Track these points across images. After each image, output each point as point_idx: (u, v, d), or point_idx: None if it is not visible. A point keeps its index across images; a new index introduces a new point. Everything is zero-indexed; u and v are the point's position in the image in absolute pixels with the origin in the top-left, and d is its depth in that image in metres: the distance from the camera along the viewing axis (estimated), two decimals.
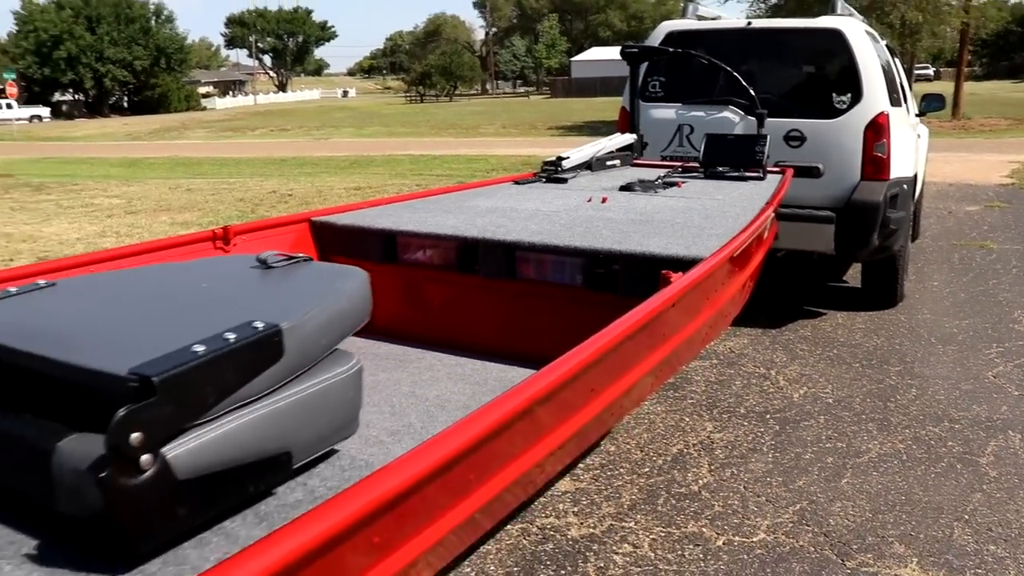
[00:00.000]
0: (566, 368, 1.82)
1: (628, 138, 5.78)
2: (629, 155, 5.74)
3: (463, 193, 4.52)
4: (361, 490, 1.25)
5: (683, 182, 4.86)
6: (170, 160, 26.85)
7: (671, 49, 6.24)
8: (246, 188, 16.72)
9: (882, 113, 5.89)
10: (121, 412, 1.30)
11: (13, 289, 1.88)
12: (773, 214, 3.93)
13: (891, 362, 5.51)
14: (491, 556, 3.38)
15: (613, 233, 3.35)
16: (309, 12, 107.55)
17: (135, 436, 1.33)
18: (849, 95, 5.98)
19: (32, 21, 68.76)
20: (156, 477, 1.35)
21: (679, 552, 3.38)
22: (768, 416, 4.66)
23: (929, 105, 8.70)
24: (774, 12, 29.97)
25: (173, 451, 1.38)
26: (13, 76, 47.56)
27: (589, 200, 4.21)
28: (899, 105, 6.56)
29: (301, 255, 2.22)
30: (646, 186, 4.54)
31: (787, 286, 7.46)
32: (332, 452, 1.87)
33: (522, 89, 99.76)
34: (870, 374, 5.29)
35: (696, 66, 6.46)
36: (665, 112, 6.52)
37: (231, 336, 1.49)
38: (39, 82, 69.75)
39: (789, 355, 5.65)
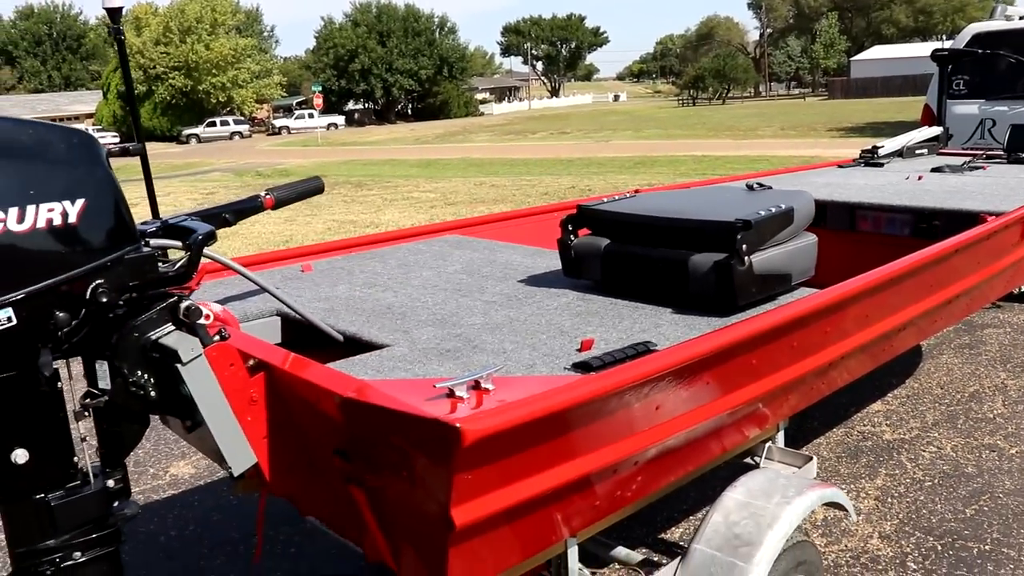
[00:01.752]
0: (913, 260, 2.87)
1: (935, 130, 6.56)
2: (936, 145, 6.51)
3: (795, 173, 5.51)
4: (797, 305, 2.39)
5: (987, 166, 5.61)
6: (462, 161, 28.94)
7: (979, 50, 6.96)
8: (545, 185, 18.24)
9: None
10: (739, 235, 2.50)
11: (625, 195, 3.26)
12: None
13: None
14: (822, 447, 4.38)
15: (932, 198, 4.25)
16: (582, 19, 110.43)
17: (744, 247, 2.51)
18: None
19: (331, 38, 75.05)
20: (749, 268, 2.52)
21: (978, 455, 4.23)
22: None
23: None
24: None
25: (755, 257, 2.56)
26: (320, 88, 52.84)
27: (907, 178, 5.09)
28: None
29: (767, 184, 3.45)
30: (954, 169, 5.35)
31: None
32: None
33: (797, 91, 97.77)
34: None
35: (1000, 64, 7.10)
36: (969, 108, 7.21)
37: (774, 208, 2.67)
38: (336, 93, 75.94)
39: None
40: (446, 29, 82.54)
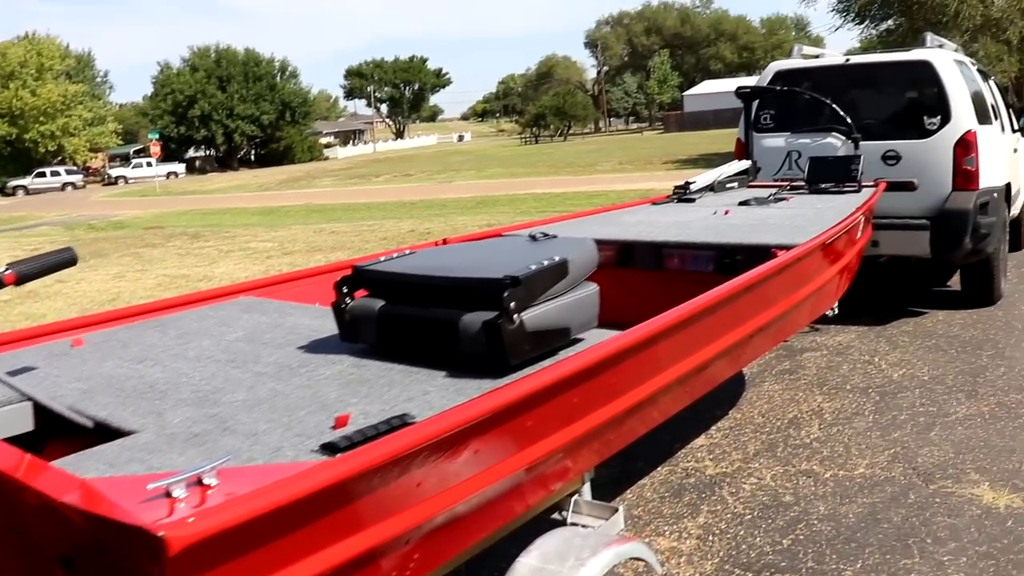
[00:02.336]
0: (698, 304, 2.85)
1: (744, 164, 6.76)
2: (745, 178, 6.70)
3: (609, 213, 5.55)
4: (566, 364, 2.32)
5: (791, 197, 5.79)
6: (304, 208, 28.37)
7: (779, 87, 7.24)
8: (385, 229, 18.07)
9: (969, 131, 6.74)
10: (507, 293, 2.39)
11: (403, 252, 3.13)
12: (863, 217, 4.86)
13: (984, 348, 6.28)
14: (647, 487, 4.36)
15: (736, 233, 4.32)
16: (424, 60, 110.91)
17: (512, 305, 2.40)
18: (939, 117, 6.87)
19: (169, 84, 73.06)
20: (519, 326, 2.41)
21: (795, 482, 4.29)
22: (870, 390, 5.53)
23: None
24: (884, 38, 30.24)
25: (527, 315, 2.46)
26: (157, 136, 51.02)
27: (715, 213, 5.19)
28: (988, 123, 7.35)
29: (551, 234, 3.35)
30: (760, 201, 5.50)
31: (891, 290, 8.25)
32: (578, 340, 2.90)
33: (635, 125, 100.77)
34: (964, 358, 6.08)
35: (802, 100, 7.39)
36: (776, 141, 7.47)
37: (546, 262, 2.57)
38: (175, 140, 73.87)
39: (891, 345, 6.48)
40: (287, 73, 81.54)
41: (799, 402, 5.41)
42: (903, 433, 4.81)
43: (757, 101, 7.40)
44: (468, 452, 1.98)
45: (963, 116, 6.82)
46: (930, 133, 6.90)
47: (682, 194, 6.06)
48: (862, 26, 32.13)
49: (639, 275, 4.49)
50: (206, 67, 74.08)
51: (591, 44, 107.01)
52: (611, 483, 4.32)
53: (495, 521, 2.29)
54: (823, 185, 6.03)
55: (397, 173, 46.00)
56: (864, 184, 5.97)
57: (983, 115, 7.24)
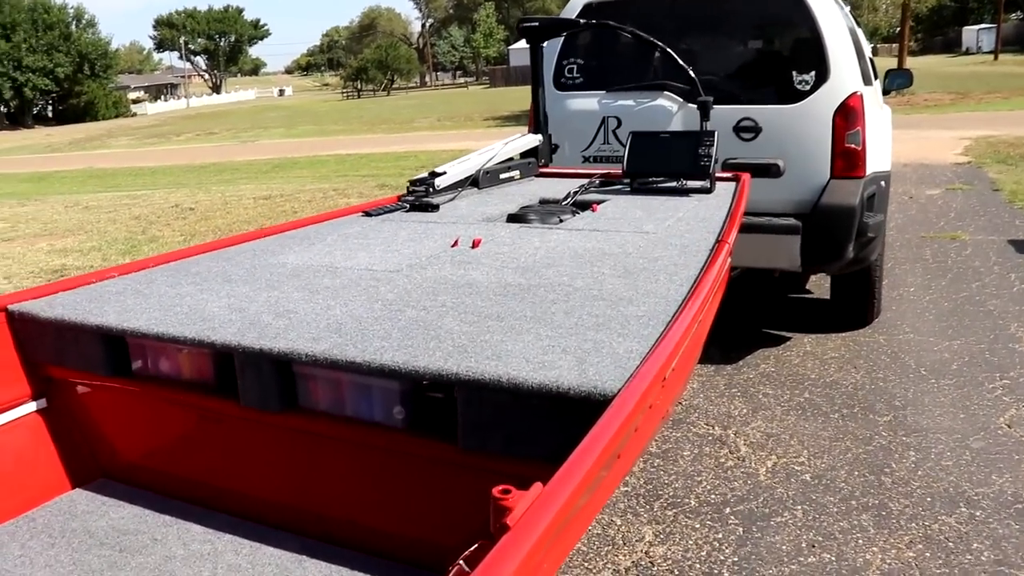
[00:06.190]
0: None
1: (531, 140, 4.54)
2: (533, 163, 4.51)
3: (278, 239, 3.18)
4: None
5: (601, 201, 3.64)
6: (84, 173, 25.23)
7: (581, 21, 4.97)
8: (150, 202, 15.25)
9: (854, 94, 4.71)
10: None
11: None
12: (725, 258, 2.68)
13: (877, 408, 4.36)
14: None
15: (462, 325, 2.05)
16: (240, 11, 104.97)
17: None
18: (813, 73, 4.75)
19: None
20: None
21: None
22: (727, 510, 3.46)
23: (894, 82, 7.55)
24: None
25: None
26: None
27: (454, 244, 2.93)
28: (870, 84, 5.38)
29: None
30: (546, 212, 3.31)
31: (742, 302, 6.28)
32: None
33: (462, 80, 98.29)
34: (853, 429, 4.13)
35: (623, 44, 5.26)
36: (586, 102, 5.29)
37: None
38: None
39: (750, 404, 4.48)
40: (83, 23, 75.04)
41: (617, 545, 3.30)
42: None
43: (559, 44, 5.19)
44: None
45: (846, 72, 4.76)
46: (800, 96, 4.78)
47: (422, 194, 3.76)
48: None
49: (246, 420, 2.16)
50: None
51: None
52: None
53: None
54: (652, 179, 3.92)
55: (201, 131, 42.43)
56: (717, 176, 3.89)
57: (865, 71, 5.27)
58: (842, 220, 4.66)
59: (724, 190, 3.79)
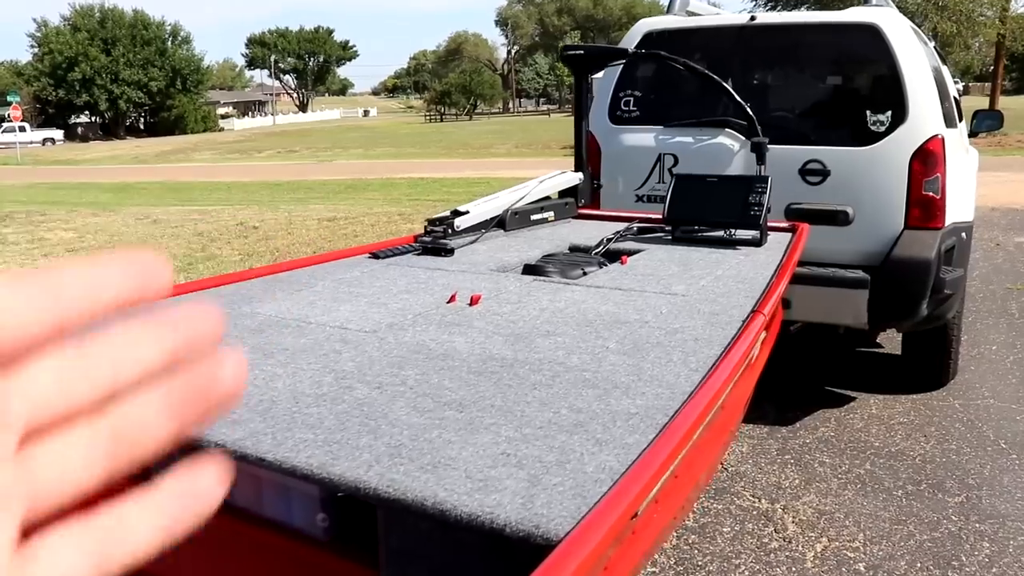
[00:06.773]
0: None
1: (571, 178, 4.20)
2: (571, 203, 4.16)
3: (268, 281, 2.85)
4: None
5: (633, 252, 3.28)
6: (163, 185, 25.63)
7: (629, 50, 4.61)
8: (217, 219, 15.28)
9: (935, 137, 4.28)
10: None
11: None
12: (765, 324, 2.28)
13: (947, 487, 3.91)
14: None
15: (411, 415, 1.64)
16: (331, 32, 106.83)
17: None
18: (889, 113, 4.34)
19: (47, 43, 68.17)
20: None
21: None
22: None
23: (982, 123, 7.04)
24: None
25: None
26: (17, 99, 46.19)
27: (451, 299, 2.54)
28: (954, 126, 4.94)
29: None
30: (569, 263, 2.95)
31: (803, 354, 5.85)
32: None
33: (544, 108, 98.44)
34: (919, 511, 3.69)
35: (683, 77, 4.90)
36: (642, 137, 4.94)
37: None
38: (53, 104, 69.09)
39: (804, 475, 4.06)
40: (179, 39, 77.07)
41: None
42: None
43: (611, 74, 4.84)
44: None
45: (926, 113, 4.34)
46: (875, 137, 4.37)
47: (440, 234, 3.41)
48: None
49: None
50: (89, 27, 69.54)
51: (502, 22, 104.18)
52: None
53: None
54: (696, 228, 3.55)
55: (283, 149, 43.00)
56: (770, 226, 3.50)
57: (949, 113, 4.83)
58: (916, 275, 4.23)
59: (777, 242, 3.40)
